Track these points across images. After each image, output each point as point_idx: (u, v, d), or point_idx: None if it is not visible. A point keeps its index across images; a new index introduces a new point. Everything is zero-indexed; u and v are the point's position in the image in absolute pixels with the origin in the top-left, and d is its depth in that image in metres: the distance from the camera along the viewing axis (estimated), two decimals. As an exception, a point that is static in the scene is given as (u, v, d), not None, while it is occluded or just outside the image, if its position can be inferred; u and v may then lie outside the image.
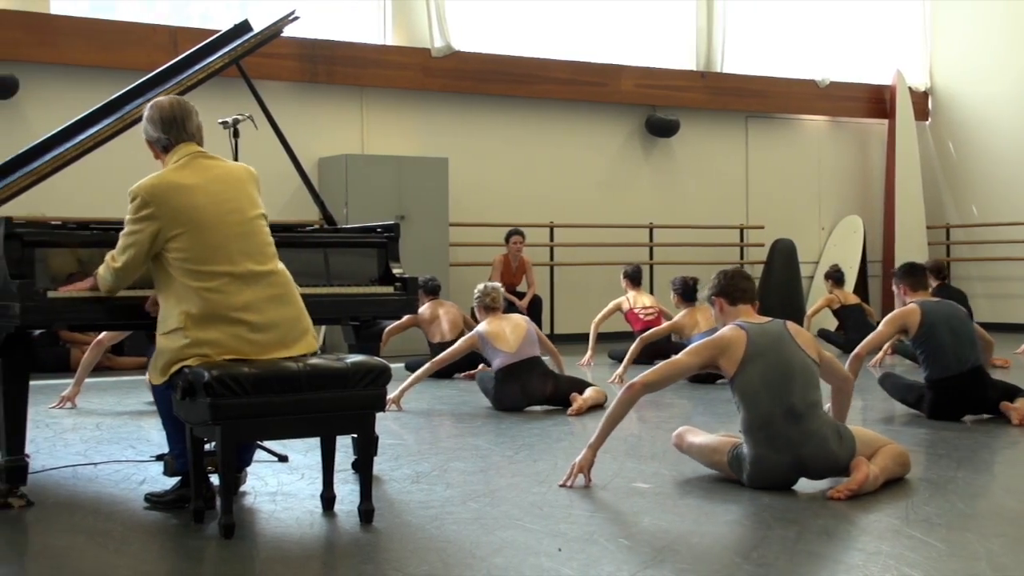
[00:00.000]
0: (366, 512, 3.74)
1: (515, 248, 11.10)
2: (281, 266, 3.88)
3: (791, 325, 4.45)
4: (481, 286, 7.23)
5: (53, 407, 6.78)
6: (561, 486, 4.32)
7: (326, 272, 4.59)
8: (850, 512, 3.91)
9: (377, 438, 4.42)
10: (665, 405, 7.22)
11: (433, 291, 9.13)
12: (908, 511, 3.93)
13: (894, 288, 6.56)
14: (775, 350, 4.28)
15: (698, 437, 4.65)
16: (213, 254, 3.71)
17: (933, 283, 9.28)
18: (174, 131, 3.89)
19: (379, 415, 3.84)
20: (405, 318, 8.68)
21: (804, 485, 4.32)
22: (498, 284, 7.33)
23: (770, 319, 4.47)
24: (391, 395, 6.74)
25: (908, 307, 6.25)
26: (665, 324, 8.85)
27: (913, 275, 6.48)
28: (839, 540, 3.58)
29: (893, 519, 3.82)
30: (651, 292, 11.70)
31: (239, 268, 3.73)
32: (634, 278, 10.14)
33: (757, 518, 3.85)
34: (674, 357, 4.40)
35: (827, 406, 4.56)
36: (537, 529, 3.66)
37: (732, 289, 4.51)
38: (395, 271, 4.72)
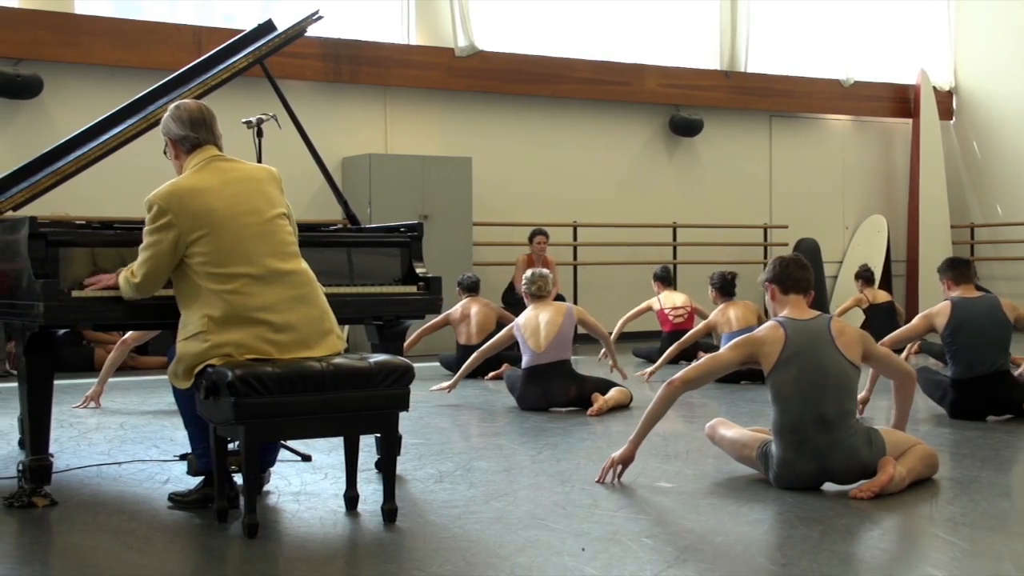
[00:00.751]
0: (389, 512, 3.74)
1: (539, 248, 11.08)
2: (304, 265, 3.88)
3: (836, 324, 4.32)
4: (529, 272, 7.15)
5: (77, 406, 6.81)
6: (597, 482, 4.32)
7: (349, 272, 4.59)
8: (874, 512, 3.88)
9: (400, 437, 4.41)
10: (688, 404, 7.19)
11: (470, 288, 9.05)
12: (932, 510, 3.90)
13: (941, 284, 6.49)
14: (811, 355, 4.21)
15: (730, 430, 4.64)
16: (231, 256, 3.71)
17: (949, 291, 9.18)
18: (202, 131, 3.90)
19: (403, 415, 3.83)
20: (438, 318, 8.64)
21: (829, 485, 4.29)
22: (547, 271, 7.17)
23: (817, 314, 4.36)
24: (443, 384, 7.10)
25: (941, 304, 6.21)
26: (700, 325, 8.75)
27: (955, 268, 6.38)
28: (863, 540, 3.56)
29: (917, 518, 3.79)
30: (675, 290, 11.63)
31: (259, 269, 3.72)
32: (664, 279, 10.11)
33: (781, 518, 3.83)
34: (715, 353, 4.41)
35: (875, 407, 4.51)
36: (560, 528, 3.66)
37: (785, 277, 4.39)
38: (418, 271, 4.72)
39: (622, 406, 6.70)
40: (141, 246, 3.79)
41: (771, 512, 3.92)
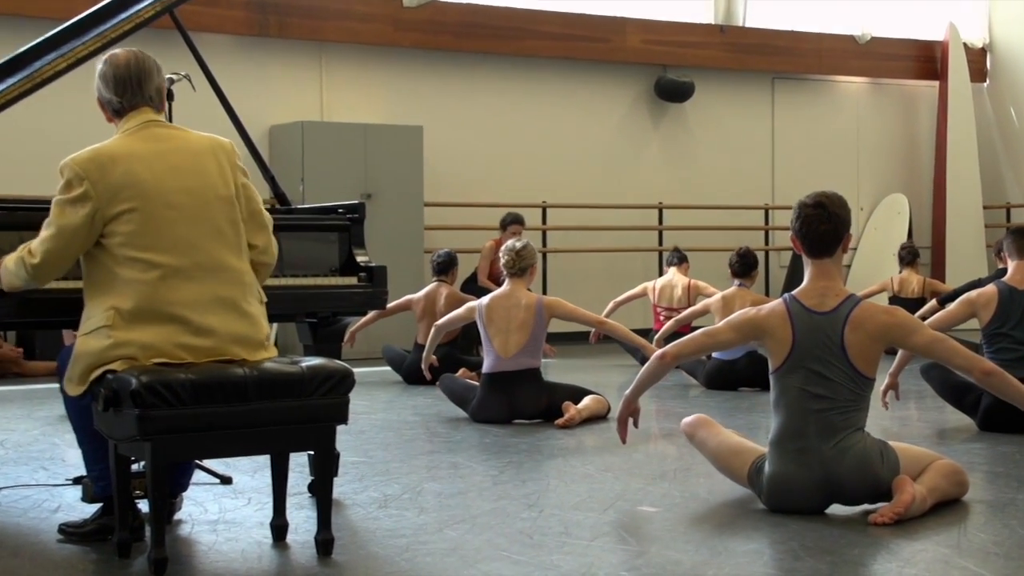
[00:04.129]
0: (324, 542, 3.72)
1: (513, 238, 11.03)
2: (246, 264, 3.81)
3: (855, 318, 4.19)
4: (511, 242, 7.12)
5: None
6: (623, 441, 4.51)
7: (278, 260, 4.57)
8: (891, 540, 3.91)
9: (338, 455, 4.42)
10: (677, 415, 7.21)
11: (441, 269, 9.05)
12: (960, 538, 3.93)
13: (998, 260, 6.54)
14: (818, 359, 4.19)
15: (716, 432, 4.63)
16: (156, 240, 3.65)
17: (1001, 265, 9.29)
18: (128, 93, 3.83)
19: (341, 429, 3.82)
20: (400, 300, 8.62)
21: (836, 509, 4.33)
22: (526, 242, 7.17)
23: (839, 302, 4.22)
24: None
25: (986, 289, 6.27)
26: (699, 305, 8.86)
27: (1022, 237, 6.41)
28: (878, 574, 3.58)
29: (942, 547, 3.83)
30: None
31: (185, 259, 3.67)
32: (671, 262, 10.22)
33: (783, 548, 3.86)
34: (712, 327, 4.46)
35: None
36: (526, 561, 3.66)
37: (809, 231, 4.31)
38: (359, 259, 4.71)
39: (598, 417, 6.72)
40: (46, 221, 3.70)
41: (772, 541, 3.94)
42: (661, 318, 9.81)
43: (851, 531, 4.04)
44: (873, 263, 12.21)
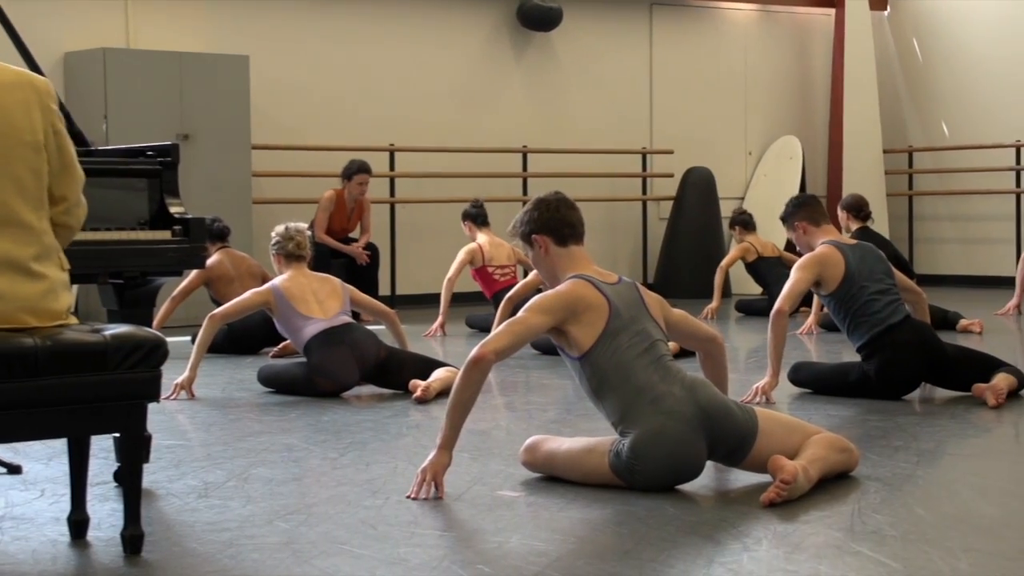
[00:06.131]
0: (132, 539, 3.68)
1: (359, 189, 11.04)
2: (45, 224, 3.71)
3: (640, 287, 4.68)
4: (281, 227, 7.18)
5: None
6: (408, 498, 4.34)
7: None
8: (779, 524, 4.00)
9: (149, 438, 4.36)
10: (539, 387, 7.29)
11: (220, 234, 9.07)
12: (854, 520, 4.03)
13: (790, 234, 6.75)
14: (635, 320, 4.52)
15: (563, 443, 4.68)
16: None
17: (852, 225, 9.60)
18: None
19: (153, 407, 3.78)
20: (192, 275, 8.62)
21: (716, 490, 4.43)
22: (303, 225, 7.29)
23: (619, 278, 4.64)
24: (178, 378, 6.75)
25: (823, 249, 6.46)
26: (532, 276, 8.82)
27: (806, 205, 6.72)
28: (764, 560, 3.66)
29: (835, 531, 3.92)
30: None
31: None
32: (476, 217, 10.17)
33: (660, 533, 3.91)
34: (517, 317, 4.49)
35: None
36: (369, 555, 3.66)
37: (559, 223, 4.64)
38: (173, 210, 4.66)
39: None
40: None
41: (648, 526, 3.99)
42: (496, 277, 9.84)
43: (734, 514, 4.13)
44: (762, 215, 12.38)
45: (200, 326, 6.87)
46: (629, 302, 4.54)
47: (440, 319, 9.79)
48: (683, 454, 4.38)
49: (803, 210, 6.69)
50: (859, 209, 9.76)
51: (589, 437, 4.72)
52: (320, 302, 6.90)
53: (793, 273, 6.47)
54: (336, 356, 6.71)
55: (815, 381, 6.69)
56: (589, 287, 4.50)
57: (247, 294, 7.07)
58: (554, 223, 4.63)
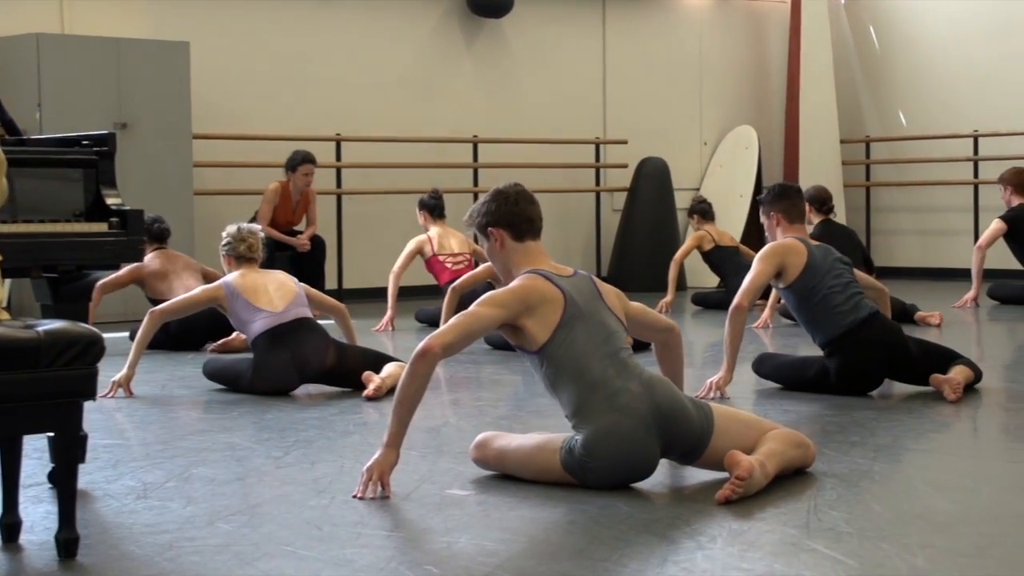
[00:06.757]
0: (67, 542, 3.65)
1: (304, 181, 11.01)
2: None
3: (596, 279, 4.71)
4: (233, 228, 7.13)
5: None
6: (354, 497, 4.33)
7: (8, 203, 4.46)
8: (734, 521, 4.01)
9: (85, 437, 4.33)
10: (490, 384, 7.29)
11: (160, 236, 9.02)
12: (810, 517, 4.05)
13: (764, 221, 6.76)
14: (592, 311, 4.53)
15: (514, 440, 4.70)
16: None
17: (814, 218, 9.63)
18: None
19: (90, 405, 3.76)
20: (125, 269, 8.56)
21: (670, 487, 4.44)
22: (257, 227, 7.26)
23: (575, 271, 4.67)
24: (116, 375, 6.70)
25: (788, 241, 6.48)
26: (483, 267, 8.82)
27: (788, 198, 6.72)
28: (719, 558, 3.67)
29: (791, 528, 3.94)
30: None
31: None
32: (432, 207, 10.18)
33: (612, 532, 3.92)
34: (470, 310, 4.47)
35: None
36: (314, 556, 3.65)
37: (518, 217, 4.65)
38: (110, 202, 4.68)
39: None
40: None
41: (598, 525, 4.00)
42: (449, 266, 9.84)
43: (689, 511, 4.14)
44: (718, 205, 12.43)
45: (139, 321, 6.82)
46: (586, 294, 4.55)
47: (389, 313, 9.78)
48: (636, 453, 4.38)
49: (782, 203, 6.67)
50: (823, 202, 9.81)
51: (541, 433, 4.72)
52: (272, 295, 6.85)
53: (754, 265, 6.48)
54: (277, 363, 6.69)
55: (776, 373, 6.74)
56: (543, 280, 4.50)
57: (196, 291, 7.02)
58: (511, 217, 4.62)
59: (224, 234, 7.12)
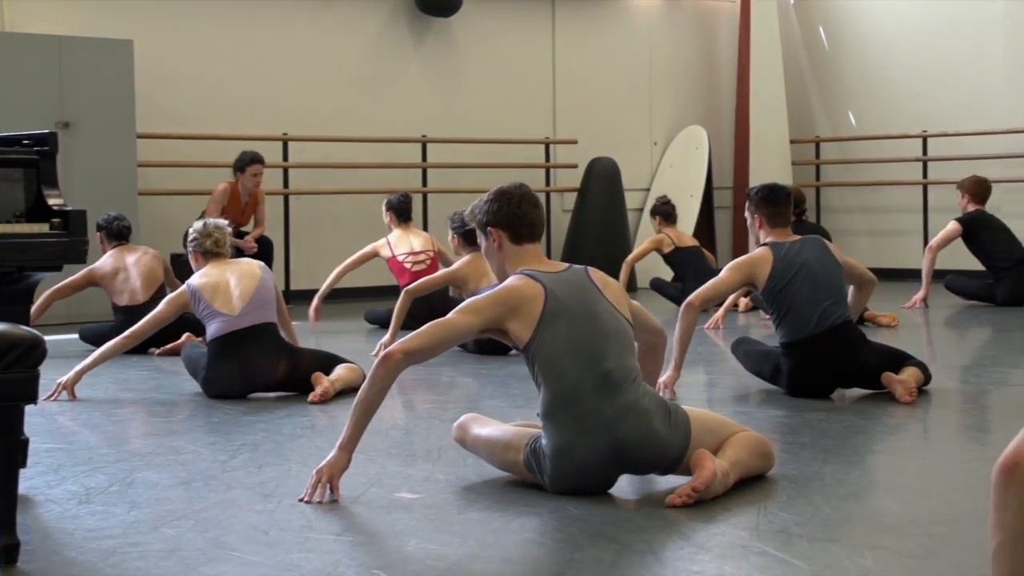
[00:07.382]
0: (7, 548, 3.63)
1: (253, 181, 10.99)
2: None
3: (594, 272, 4.61)
4: (200, 223, 7.10)
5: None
6: (301, 501, 4.32)
7: (-54, 204, 4.46)
8: (685, 524, 4.03)
9: (27, 442, 4.27)
10: (442, 386, 7.28)
11: (119, 235, 8.97)
12: (760, 519, 4.07)
13: (747, 217, 6.79)
14: (581, 305, 4.44)
15: (486, 428, 4.73)
16: None
17: None
18: None
19: (33, 409, 3.76)
20: (78, 274, 8.54)
21: (626, 489, 4.44)
22: (224, 222, 7.21)
23: (568, 265, 4.63)
24: (62, 378, 6.67)
25: (759, 252, 6.52)
26: (440, 272, 8.88)
27: (775, 203, 6.73)
28: (668, 561, 3.69)
29: (740, 530, 3.96)
30: (425, 229, 11.74)
31: None
32: (400, 210, 10.17)
33: (562, 535, 3.93)
34: (446, 318, 4.44)
35: None
36: (260, 561, 3.64)
37: (518, 220, 4.61)
38: (52, 202, 4.62)
39: (353, 388, 6.70)
40: None
41: (550, 528, 4.01)
42: (408, 267, 9.85)
43: (640, 515, 4.15)
44: (668, 206, 12.54)
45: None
46: (574, 288, 4.47)
47: (315, 302, 9.79)
48: (588, 477, 4.38)
49: (768, 209, 6.69)
50: (795, 204, 9.86)
51: (516, 425, 4.72)
52: (232, 292, 6.79)
53: (723, 272, 6.56)
54: (223, 374, 6.68)
55: (744, 358, 6.86)
56: (525, 279, 4.45)
57: (162, 306, 6.90)
58: (512, 219, 4.58)
59: (190, 230, 7.11)
